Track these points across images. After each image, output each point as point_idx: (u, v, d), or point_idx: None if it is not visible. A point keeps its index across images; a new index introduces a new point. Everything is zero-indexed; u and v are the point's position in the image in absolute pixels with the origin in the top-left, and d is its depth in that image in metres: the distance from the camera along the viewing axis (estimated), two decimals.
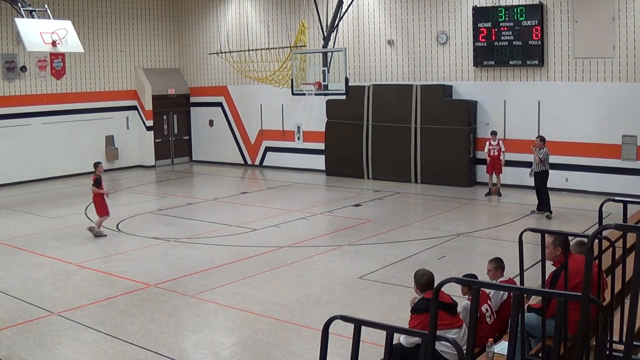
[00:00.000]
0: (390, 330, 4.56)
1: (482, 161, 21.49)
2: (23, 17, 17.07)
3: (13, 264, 14.55)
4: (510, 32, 21.04)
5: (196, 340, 10.01)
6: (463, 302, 7.95)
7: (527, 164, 18.50)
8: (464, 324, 7.41)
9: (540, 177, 17.50)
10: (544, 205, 17.55)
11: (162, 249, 15.56)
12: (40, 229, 17.80)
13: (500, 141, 20.46)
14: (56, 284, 12.99)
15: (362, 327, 4.59)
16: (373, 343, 7.00)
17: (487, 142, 20.60)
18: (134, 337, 10.04)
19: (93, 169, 17.13)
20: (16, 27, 16.96)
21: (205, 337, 10.08)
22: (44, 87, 26.43)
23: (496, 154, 20.27)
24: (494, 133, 20.70)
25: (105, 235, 16.60)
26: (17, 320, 11.00)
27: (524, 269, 7.71)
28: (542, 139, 17.50)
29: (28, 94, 25.88)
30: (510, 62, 21.26)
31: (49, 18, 17.52)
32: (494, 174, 20.48)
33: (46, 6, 17.81)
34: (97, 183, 16.67)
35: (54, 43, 16.88)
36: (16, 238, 16.76)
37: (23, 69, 25.67)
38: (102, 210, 16.73)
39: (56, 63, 26.70)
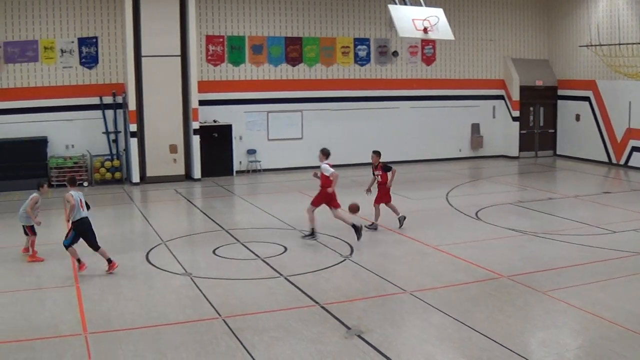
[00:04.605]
0: None
1: None
2: (396, 3, 17.76)
3: (373, 240, 15.30)
4: None
5: (542, 337, 9.67)
6: None
7: None
8: None
9: None
10: None
11: (518, 241, 15.29)
12: (401, 209, 18.44)
13: None
14: (411, 263, 13.42)
15: None
16: None
17: None
18: (481, 325, 9.97)
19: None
20: (389, 14, 17.69)
21: (551, 336, 9.70)
22: (414, 72, 27.44)
23: None
24: None
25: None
26: (370, 293, 11.55)
27: None
28: None
29: (398, 78, 27.08)
30: None
31: (421, 5, 18.03)
32: None
33: None
34: None
35: (425, 30, 17.35)
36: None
37: (395, 54, 26.89)
38: None
39: (427, 49, 27.53)
